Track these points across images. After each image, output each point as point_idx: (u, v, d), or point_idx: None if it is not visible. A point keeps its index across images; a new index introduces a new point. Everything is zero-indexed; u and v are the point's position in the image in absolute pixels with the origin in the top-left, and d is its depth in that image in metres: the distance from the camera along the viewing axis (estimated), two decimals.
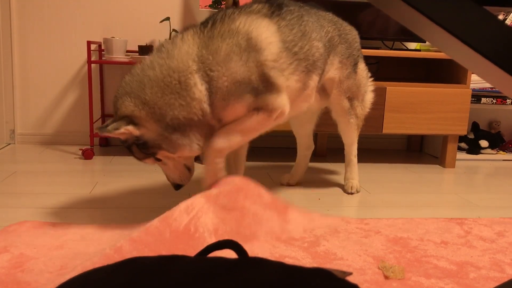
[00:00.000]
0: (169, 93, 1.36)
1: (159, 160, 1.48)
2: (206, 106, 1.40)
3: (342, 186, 2.10)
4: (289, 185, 2.09)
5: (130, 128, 1.37)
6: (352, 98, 1.92)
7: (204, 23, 1.46)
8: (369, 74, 2.04)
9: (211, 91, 1.40)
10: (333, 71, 1.83)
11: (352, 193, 2.00)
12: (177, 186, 1.57)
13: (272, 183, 2.14)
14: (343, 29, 1.87)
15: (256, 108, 1.48)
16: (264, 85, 1.46)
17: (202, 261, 0.45)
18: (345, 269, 1.23)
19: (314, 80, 1.66)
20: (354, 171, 2.06)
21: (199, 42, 1.41)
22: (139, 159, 1.48)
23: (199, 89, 1.38)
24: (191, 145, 1.43)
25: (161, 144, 1.41)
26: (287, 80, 1.52)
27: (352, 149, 2.05)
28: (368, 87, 2.03)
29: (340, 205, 1.87)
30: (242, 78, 1.42)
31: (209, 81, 1.39)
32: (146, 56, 1.45)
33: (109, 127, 1.35)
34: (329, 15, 1.84)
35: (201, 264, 0.44)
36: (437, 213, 1.80)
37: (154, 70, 1.38)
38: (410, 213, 1.80)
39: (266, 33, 1.46)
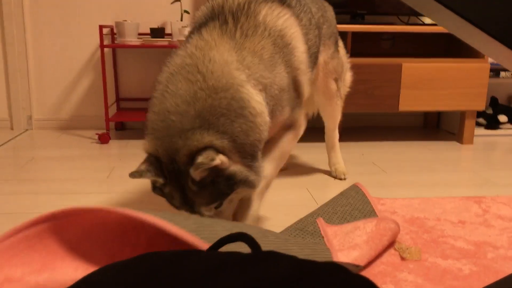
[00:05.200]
0: (237, 118, 1.08)
1: (219, 207, 1.16)
2: (268, 120, 1.16)
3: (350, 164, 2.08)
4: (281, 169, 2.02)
5: (223, 158, 1.06)
6: (337, 79, 1.82)
7: (220, 19, 1.20)
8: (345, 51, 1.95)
9: (266, 102, 1.16)
10: (319, 54, 1.64)
11: (345, 179, 1.93)
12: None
13: None
14: (323, 7, 1.72)
15: (287, 126, 1.32)
16: (296, 95, 1.29)
17: (214, 256, 0.45)
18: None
19: (312, 74, 1.51)
20: (339, 155, 1.99)
21: (233, 45, 1.15)
22: (203, 204, 1.13)
23: (257, 100, 1.12)
24: (262, 177, 1.19)
25: (249, 177, 1.12)
26: (308, 87, 1.36)
27: (335, 133, 1.97)
28: (348, 64, 1.94)
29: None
30: (287, 84, 1.23)
31: (263, 90, 1.16)
32: (174, 79, 1.12)
33: (201, 160, 1.02)
34: None
35: (213, 259, 0.44)
36: (454, 192, 1.78)
37: (201, 100, 1.08)
38: (427, 192, 1.78)
39: (292, 28, 1.26)
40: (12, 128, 2.83)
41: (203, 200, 1.11)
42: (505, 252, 1.25)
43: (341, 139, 2.06)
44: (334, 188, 1.83)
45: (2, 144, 2.46)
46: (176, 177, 1.09)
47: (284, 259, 0.43)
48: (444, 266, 1.18)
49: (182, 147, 1.06)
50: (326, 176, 1.96)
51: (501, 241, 1.32)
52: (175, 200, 1.14)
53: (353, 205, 1.49)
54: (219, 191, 1.10)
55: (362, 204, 1.50)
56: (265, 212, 1.56)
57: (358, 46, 2.75)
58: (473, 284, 1.09)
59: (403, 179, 1.94)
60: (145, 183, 1.84)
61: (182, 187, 1.10)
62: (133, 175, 1.08)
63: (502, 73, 2.70)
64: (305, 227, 1.29)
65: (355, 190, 1.60)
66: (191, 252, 0.47)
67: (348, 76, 1.96)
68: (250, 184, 1.13)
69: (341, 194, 1.58)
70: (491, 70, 2.59)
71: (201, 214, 1.14)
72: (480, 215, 1.52)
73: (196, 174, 1.05)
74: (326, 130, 1.98)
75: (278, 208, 1.59)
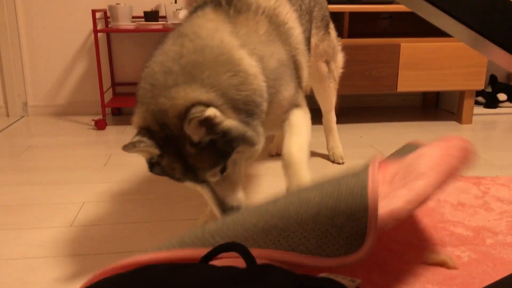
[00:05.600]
0: (225, 72, 1.06)
1: (224, 171, 1.10)
2: (263, 84, 1.13)
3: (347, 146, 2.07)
4: (278, 154, 2.02)
5: (214, 109, 1.00)
6: (329, 61, 1.80)
7: (214, 1, 1.20)
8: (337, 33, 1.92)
9: (265, 76, 1.14)
10: (311, 38, 1.64)
11: (343, 163, 1.92)
12: (229, 209, 1.14)
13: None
14: None
15: (293, 107, 1.29)
16: (297, 76, 1.27)
17: (209, 271, 0.44)
18: None
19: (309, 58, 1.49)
20: (337, 139, 1.99)
21: (227, 19, 1.15)
22: (206, 168, 1.06)
23: (250, 63, 1.10)
24: (262, 137, 1.15)
25: (246, 133, 1.06)
26: (307, 72, 1.36)
27: (331, 115, 1.96)
28: (339, 46, 1.91)
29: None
30: (286, 59, 1.22)
31: (259, 61, 1.13)
32: (164, 47, 1.13)
33: (193, 112, 0.97)
34: None
35: (207, 274, 0.43)
36: None
37: (186, 56, 1.07)
38: None
39: (286, 8, 1.26)
40: (8, 115, 2.81)
41: (205, 164, 1.05)
42: (504, 238, 1.25)
43: (339, 120, 2.04)
44: (332, 173, 1.81)
45: None
46: (172, 144, 1.04)
47: (279, 275, 0.42)
48: (443, 253, 1.17)
49: (170, 108, 1.01)
50: (324, 160, 1.95)
51: (500, 226, 1.32)
52: (176, 171, 1.07)
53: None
54: (219, 151, 1.04)
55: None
56: (260, 199, 1.55)
57: (356, 26, 2.70)
58: (472, 272, 1.09)
59: None
60: (142, 170, 1.83)
61: (180, 155, 1.04)
62: (127, 147, 1.02)
63: None
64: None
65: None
66: (187, 265, 0.46)
67: (339, 57, 1.93)
68: (248, 141, 1.08)
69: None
70: None
71: (207, 181, 1.09)
72: (479, 197, 1.52)
73: (191, 130, 0.99)
74: (322, 113, 1.96)
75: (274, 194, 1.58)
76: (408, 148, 1.34)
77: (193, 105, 0.99)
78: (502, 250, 1.19)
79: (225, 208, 1.12)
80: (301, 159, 1.23)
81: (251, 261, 0.47)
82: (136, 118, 1.08)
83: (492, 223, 1.34)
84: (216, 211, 1.14)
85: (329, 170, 1.86)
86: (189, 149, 1.03)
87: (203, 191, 1.13)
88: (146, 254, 0.88)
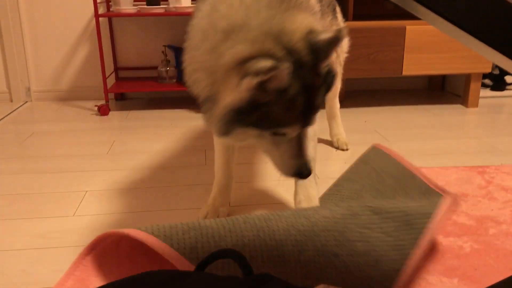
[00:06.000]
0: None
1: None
2: None
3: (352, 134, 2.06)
4: None
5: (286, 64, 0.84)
6: None
7: None
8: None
9: None
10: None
11: (347, 149, 1.91)
12: (305, 172, 1.00)
13: None
14: None
15: None
16: None
17: (207, 280, 0.44)
18: None
19: None
20: (341, 125, 1.96)
21: None
22: (319, 108, 0.96)
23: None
24: None
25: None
26: None
27: (335, 101, 1.93)
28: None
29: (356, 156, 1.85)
30: None
31: None
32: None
33: (337, 36, 0.84)
34: None
35: (205, 283, 0.43)
36: (458, 161, 1.76)
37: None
38: (431, 161, 1.76)
39: None
40: (11, 101, 2.81)
41: (320, 102, 0.94)
42: (508, 228, 1.24)
43: (343, 105, 2.03)
44: (337, 161, 1.81)
45: (2, 118, 2.44)
46: (300, 75, 0.87)
47: (277, 284, 0.41)
48: (445, 243, 1.17)
49: (297, 30, 0.86)
50: (328, 147, 1.94)
51: (503, 216, 1.31)
52: (291, 112, 0.90)
53: (386, 172, 1.28)
54: (327, 87, 0.95)
55: (395, 169, 1.30)
56: (267, 187, 1.55)
57: (360, 8, 2.66)
58: (474, 263, 1.08)
59: (406, 148, 1.91)
60: (144, 157, 1.83)
61: (305, 88, 0.89)
62: (257, 73, 0.80)
63: None
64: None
65: (378, 154, 1.38)
66: (187, 274, 0.46)
67: (345, 42, 1.89)
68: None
69: (364, 161, 1.37)
70: None
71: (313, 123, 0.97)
72: (483, 186, 1.50)
73: (326, 55, 0.85)
74: (326, 99, 1.93)
75: (278, 184, 1.58)
76: (373, 155, 1.37)
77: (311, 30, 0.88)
78: (505, 241, 1.18)
79: (303, 168, 0.99)
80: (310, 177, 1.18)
81: (248, 270, 0.46)
82: (241, 45, 0.87)
83: (495, 212, 1.33)
84: (286, 171, 1.01)
85: (334, 158, 1.85)
86: (317, 81, 0.90)
87: (279, 148, 0.98)
88: (132, 230, 0.88)
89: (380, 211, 1.06)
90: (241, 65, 0.85)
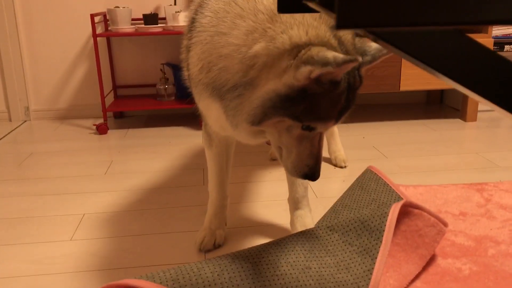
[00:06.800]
0: None
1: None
2: None
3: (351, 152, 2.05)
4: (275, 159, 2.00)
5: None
6: None
7: None
8: None
9: None
10: None
11: (345, 167, 1.90)
12: (316, 175, 0.97)
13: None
14: None
15: None
16: None
17: None
18: None
19: None
20: (339, 142, 1.95)
21: None
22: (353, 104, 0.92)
23: None
24: None
25: None
26: None
27: None
28: None
29: (355, 174, 1.84)
30: None
31: None
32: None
33: (340, 59, 0.74)
34: None
35: None
36: (456, 177, 1.75)
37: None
38: (429, 178, 1.75)
39: None
40: (10, 120, 2.82)
41: (354, 101, 0.91)
42: (507, 248, 1.23)
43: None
44: (335, 178, 1.80)
45: (1, 138, 2.45)
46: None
47: None
48: (444, 265, 1.16)
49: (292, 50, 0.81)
50: (326, 164, 1.94)
51: (502, 236, 1.30)
52: (334, 108, 0.87)
53: (376, 200, 1.28)
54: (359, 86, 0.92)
55: (386, 196, 1.30)
56: (262, 207, 1.54)
57: None
58: (473, 286, 1.07)
59: (404, 164, 1.91)
60: (142, 177, 1.82)
61: (350, 83, 0.86)
62: (339, 63, 0.74)
63: (506, 47, 2.62)
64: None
65: (373, 179, 1.39)
66: None
67: None
68: None
69: (360, 186, 1.38)
70: (495, 44, 2.51)
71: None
72: (482, 205, 1.50)
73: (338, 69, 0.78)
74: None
75: (276, 202, 1.57)
76: (368, 178, 1.40)
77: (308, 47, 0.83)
78: (504, 262, 1.17)
79: (314, 169, 0.95)
80: (305, 203, 1.32)
81: None
82: (296, 30, 0.83)
83: (494, 232, 1.32)
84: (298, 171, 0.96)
85: (332, 175, 1.84)
86: (357, 81, 0.88)
87: (301, 144, 0.93)
88: (136, 280, 0.89)
89: (338, 228, 1.16)
90: (297, 50, 0.81)
